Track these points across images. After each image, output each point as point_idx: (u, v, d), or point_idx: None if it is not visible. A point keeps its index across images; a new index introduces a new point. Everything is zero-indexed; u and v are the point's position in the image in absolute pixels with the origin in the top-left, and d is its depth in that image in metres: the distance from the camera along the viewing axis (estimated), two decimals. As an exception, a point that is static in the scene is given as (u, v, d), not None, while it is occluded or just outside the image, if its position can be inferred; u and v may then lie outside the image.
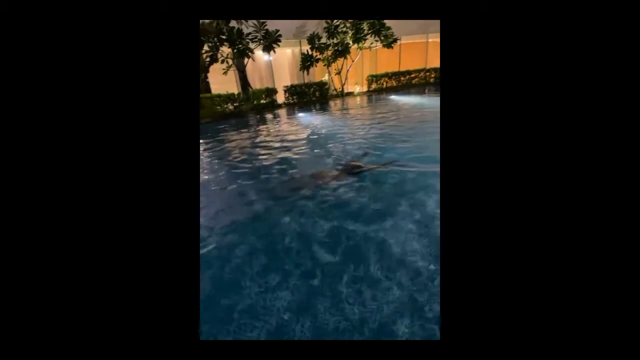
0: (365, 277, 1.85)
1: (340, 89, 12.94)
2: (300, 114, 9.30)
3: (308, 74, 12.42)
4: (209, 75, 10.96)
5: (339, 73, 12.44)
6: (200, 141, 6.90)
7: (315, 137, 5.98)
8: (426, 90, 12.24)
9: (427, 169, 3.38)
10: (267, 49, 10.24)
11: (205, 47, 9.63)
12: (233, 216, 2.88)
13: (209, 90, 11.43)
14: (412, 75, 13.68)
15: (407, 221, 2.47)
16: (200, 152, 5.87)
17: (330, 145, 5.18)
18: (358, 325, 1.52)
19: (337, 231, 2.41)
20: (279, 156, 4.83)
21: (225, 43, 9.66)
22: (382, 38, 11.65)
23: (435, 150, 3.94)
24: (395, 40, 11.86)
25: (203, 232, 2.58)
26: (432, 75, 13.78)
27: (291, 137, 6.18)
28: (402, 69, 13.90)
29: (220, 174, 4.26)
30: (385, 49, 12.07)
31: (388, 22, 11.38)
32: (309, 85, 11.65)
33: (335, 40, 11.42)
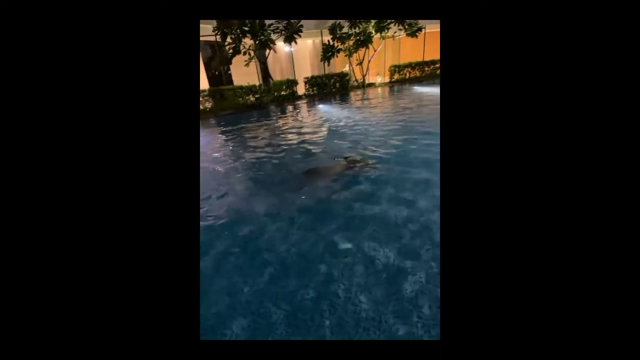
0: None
1: (362, 80, 12.74)
2: (320, 106, 9.29)
3: (329, 64, 12.32)
4: (231, 67, 11.17)
5: (360, 63, 12.22)
6: (223, 131, 7.12)
7: (331, 129, 5.99)
8: (451, 81, 11.73)
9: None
10: (289, 39, 10.24)
11: (228, 39, 9.78)
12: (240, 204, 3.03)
13: (231, 82, 11.67)
14: (437, 65, 13.16)
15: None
16: (223, 142, 6.08)
17: (344, 138, 5.17)
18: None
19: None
20: (292, 149, 4.91)
21: (247, 35, 9.76)
22: (406, 27, 11.28)
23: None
24: (420, 29, 11.45)
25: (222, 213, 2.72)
26: (459, 65, 13.17)
27: (306, 129, 6.23)
28: (427, 58, 13.41)
29: (236, 166, 4.41)
30: (409, 38, 11.70)
31: (412, 10, 10.98)
32: (329, 77, 11.57)
33: (357, 30, 11.20)
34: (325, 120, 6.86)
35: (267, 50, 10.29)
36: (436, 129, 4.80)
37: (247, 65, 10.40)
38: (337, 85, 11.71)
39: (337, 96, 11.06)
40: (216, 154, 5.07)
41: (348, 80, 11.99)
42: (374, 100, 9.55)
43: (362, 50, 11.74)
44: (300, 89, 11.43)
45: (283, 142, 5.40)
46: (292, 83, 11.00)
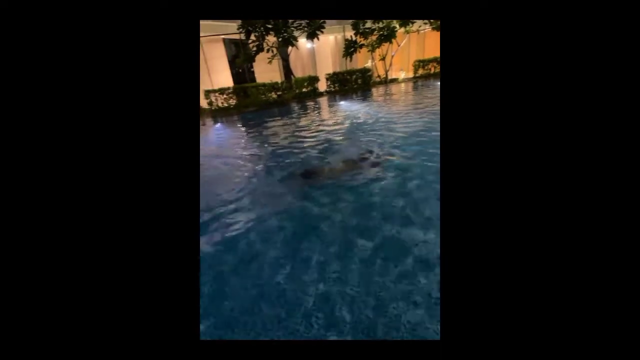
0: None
1: (384, 76, 12.51)
2: (341, 102, 9.27)
3: (351, 60, 12.19)
4: (253, 64, 11.38)
5: (383, 59, 12.00)
6: (246, 127, 7.33)
7: (351, 126, 5.99)
8: (479, 76, 11.23)
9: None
10: (311, 36, 10.25)
11: (252, 37, 9.96)
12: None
13: (253, 79, 11.89)
14: (464, 60, 12.61)
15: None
16: (246, 138, 6.28)
17: (363, 136, 5.16)
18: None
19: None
20: (309, 147, 4.98)
21: (271, 32, 9.89)
22: (432, 20, 10.90)
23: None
24: (446, 22, 11.01)
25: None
26: (488, 59, 12.56)
27: (325, 128, 6.26)
28: (453, 52, 12.88)
29: (257, 164, 4.57)
30: (435, 32, 11.30)
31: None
32: (351, 72, 11.47)
33: (380, 24, 10.98)
34: (346, 118, 6.85)
35: (289, 47, 10.38)
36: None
37: (269, 62, 10.56)
38: (359, 81, 11.59)
39: (359, 92, 10.96)
40: (243, 152, 5.30)
41: (370, 76, 11.82)
42: (396, 96, 9.37)
43: (385, 46, 11.51)
44: (322, 86, 11.42)
45: (298, 142, 5.49)
46: (314, 80, 11.03)
